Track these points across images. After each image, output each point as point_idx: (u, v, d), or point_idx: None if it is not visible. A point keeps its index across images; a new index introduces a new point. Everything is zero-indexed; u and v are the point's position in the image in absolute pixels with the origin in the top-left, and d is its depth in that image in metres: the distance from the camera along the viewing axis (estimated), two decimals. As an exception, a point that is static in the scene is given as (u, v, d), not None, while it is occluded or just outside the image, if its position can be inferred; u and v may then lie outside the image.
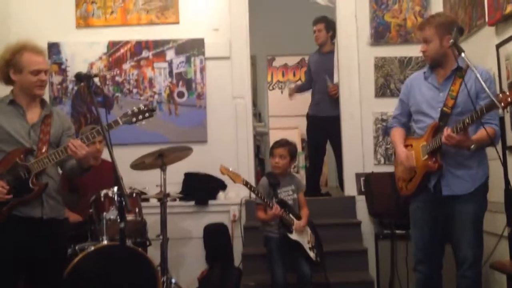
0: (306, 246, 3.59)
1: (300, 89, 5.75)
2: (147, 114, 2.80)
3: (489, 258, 2.89)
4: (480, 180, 2.81)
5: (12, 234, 2.63)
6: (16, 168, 2.66)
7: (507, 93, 2.39)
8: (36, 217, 2.71)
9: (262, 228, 3.65)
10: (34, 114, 2.79)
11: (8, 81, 2.78)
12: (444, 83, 2.89)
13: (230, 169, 3.47)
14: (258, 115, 7.32)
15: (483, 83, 2.43)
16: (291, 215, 3.56)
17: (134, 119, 2.79)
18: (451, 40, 2.57)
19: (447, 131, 2.64)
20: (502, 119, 2.41)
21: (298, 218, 3.62)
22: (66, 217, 2.96)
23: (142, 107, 2.81)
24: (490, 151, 2.75)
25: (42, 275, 2.74)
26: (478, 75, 2.46)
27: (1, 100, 2.79)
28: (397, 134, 3.11)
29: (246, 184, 3.43)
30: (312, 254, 3.59)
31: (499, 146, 2.54)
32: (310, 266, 3.56)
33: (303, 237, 3.60)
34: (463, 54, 2.53)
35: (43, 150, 2.73)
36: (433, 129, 2.84)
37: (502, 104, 2.35)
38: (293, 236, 3.53)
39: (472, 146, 2.61)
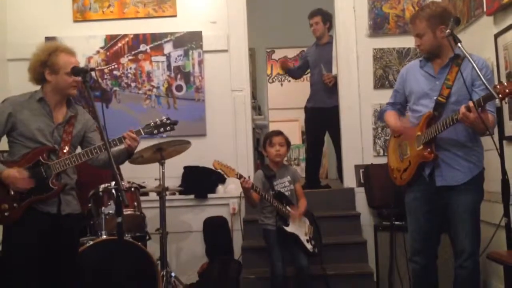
0: (303, 238, 3.58)
1: (289, 71, 5.74)
2: (168, 128, 2.89)
3: (486, 248, 2.88)
4: (475, 171, 2.79)
5: (32, 226, 2.69)
6: (39, 166, 2.71)
7: (505, 83, 2.37)
8: (53, 212, 2.76)
9: (261, 220, 3.65)
10: (60, 114, 2.84)
11: (40, 81, 2.82)
12: (440, 71, 2.86)
13: (223, 164, 3.43)
14: (257, 108, 7.31)
15: (478, 71, 2.40)
16: (287, 207, 3.56)
17: (155, 131, 2.87)
18: (448, 30, 2.55)
19: (463, 108, 2.52)
20: (499, 109, 2.38)
21: (295, 209, 3.62)
22: (81, 211, 3.01)
23: (165, 119, 2.89)
24: (487, 142, 2.74)
25: (56, 267, 2.76)
26: (474, 64, 2.44)
27: (31, 96, 2.81)
28: (391, 114, 3.11)
29: (240, 177, 3.41)
30: (309, 246, 3.59)
31: (496, 137, 2.51)
32: (307, 258, 3.56)
33: (300, 229, 3.60)
34: (459, 44, 2.51)
35: (65, 150, 2.78)
36: (428, 119, 2.82)
37: (500, 95, 2.33)
38: (289, 228, 3.53)
39: (490, 130, 2.51)
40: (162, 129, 2.87)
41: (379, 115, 4.40)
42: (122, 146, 2.80)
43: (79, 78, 2.75)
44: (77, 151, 2.84)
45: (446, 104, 2.77)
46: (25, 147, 2.74)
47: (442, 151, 2.80)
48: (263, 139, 3.83)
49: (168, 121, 2.88)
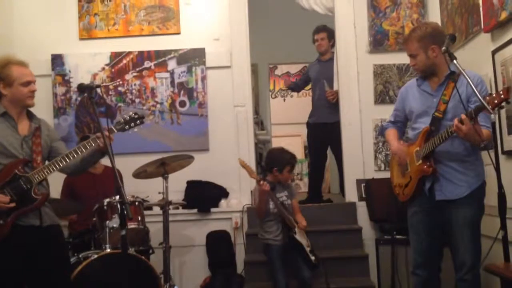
0: (307, 249, 3.63)
1: (290, 87, 5.82)
2: (138, 122, 2.97)
3: (484, 260, 2.90)
4: (475, 185, 2.82)
5: (19, 242, 2.69)
6: (17, 180, 2.71)
7: (494, 95, 2.42)
8: (36, 225, 2.77)
9: (261, 236, 3.68)
10: (24, 126, 2.85)
11: None
12: (437, 88, 2.93)
13: (248, 164, 3.58)
14: (260, 123, 7.37)
15: (474, 87, 2.45)
16: (290, 218, 3.60)
17: (126, 127, 2.95)
18: (443, 48, 2.61)
19: (456, 120, 2.58)
20: (494, 124, 2.43)
21: (296, 222, 3.67)
22: (59, 223, 3.01)
23: (132, 114, 2.98)
24: (485, 156, 2.78)
25: (47, 280, 2.78)
26: (469, 80, 2.49)
27: None
28: (391, 133, 3.18)
29: (259, 181, 3.51)
30: (312, 258, 3.63)
31: (492, 151, 2.56)
32: (310, 270, 3.59)
33: (303, 240, 3.65)
34: (455, 61, 2.57)
35: (38, 161, 2.81)
36: (425, 134, 2.87)
37: (490, 106, 2.38)
38: (298, 236, 3.57)
39: (484, 143, 2.54)
40: (132, 123, 2.95)
41: (380, 131, 4.46)
42: (93, 147, 2.83)
43: (35, 88, 2.82)
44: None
45: (442, 119, 2.82)
46: None
47: (441, 166, 2.84)
48: (279, 161, 3.80)
49: (136, 116, 2.97)
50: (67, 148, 2.95)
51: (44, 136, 2.90)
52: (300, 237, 3.61)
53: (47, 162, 2.85)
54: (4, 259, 2.65)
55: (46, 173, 2.76)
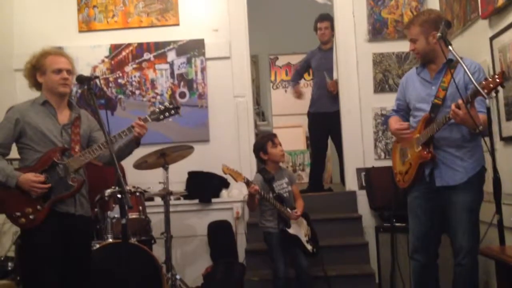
0: (304, 239, 3.65)
1: (294, 79, 5.68)
2: (173, 112, 3.00)
3: (479, 245, 2.93)
4: (473, 170, 2.85)
5: (55, 229, 2.76)
6: (55, 167, 2.79)
7: (490, 79, 2.43)
8: (71, 212, 2.85)
9: (262, 224, 3.70)
10: (64, 116, 2.93)
11: (37, 85, 2.93)
12: (436, 76, 2.95)
13: (232, 168, 3.52)
14: (261, 114, 7.39)
15: (470, 75, 2.47)
16: (288, 209, 3.62)
17: (161, 117, 2.98)
18: (438, 34, 2.62)
19: (453, 105, 2.62)
20: (489, 110, 2.44)
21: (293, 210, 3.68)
22: (90, 215, 3.09)
23: (168, 104, 3.01)
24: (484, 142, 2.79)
25: (73, 268, 2.83)
26: (465, 68, 2.51)
27: (34, 101, 2.92)
28: (393, 119, 3.22)
29: (247, 182, 3.49)
30: (309, 247, 3.66)
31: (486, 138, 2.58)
32: (307, 259, 3.62)
33: (300, 230, 3.67)
34: (450, 47, 2.58)
35: (76, 150, 2.87)
36: (425, 121, 2.90)
37: (486, 90, 2.40)
38: (291, 230, 3.60)
39: (480, 127, 2.57)
40: (167, 113, 2.98)
41: (384, 121, 4.47)
42: (130, 136, 2.90)
43: (67, 76, 2.87)
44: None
45: (442, 106, 2.85)
46: (36, 151, 2.82)
47: (441, 152, 2.88)
48: (259, 144, 3.82)
49: (171, 106, 3.00)
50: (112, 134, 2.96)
51: (83, 125, 2.97)
52: (295, 229, 3.62)
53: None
54: (44, 245, 2.73)
55: (83, 161, 2.83)
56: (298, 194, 3.83)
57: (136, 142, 2.95)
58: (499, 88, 2.42)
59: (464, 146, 2.85)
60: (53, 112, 2.89)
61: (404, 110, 3.19)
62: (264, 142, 3.76)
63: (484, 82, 2.44)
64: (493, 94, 2.49)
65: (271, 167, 3.76)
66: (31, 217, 2.74)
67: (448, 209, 2.89)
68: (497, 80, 2.39)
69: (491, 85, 2.40)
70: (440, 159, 2.88)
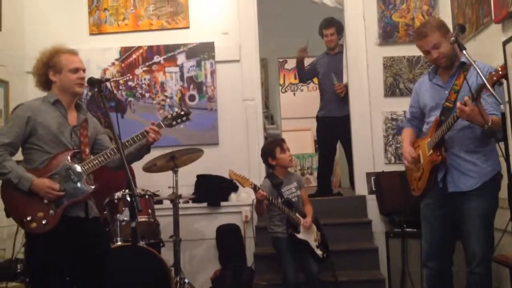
0: (313, 245, 3.63)
1: (300, 69, 5.54)
2: (184, 118, 3.03)
3: (493, 254, 2.88)
4: (487, 176, 2.79)
5: (67, 234, 2.69)
6: (67, 170, 2.73)
7: (494, 73, 2.44)
8: (82, 217, 2.79)
9: (271, 229, 3.68)
10: (73, 116, 2.85)
11: (47, 84, 2.84)
12: (449, 80, 2.92)
13: (239, 174, 3.50)
14: (270, 117, 7.37)
15: (481, 75, 2.43)
16: (297, 214, 3.60)
17: (174, 122, 3.01)
18: (452, 38, 2.60)
19: (459, 103, 2.60)
20: (504, 115, 2.42)
21: (304, 216, 3.65)
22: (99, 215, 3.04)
23: (179, 111, 3.05)
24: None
25: (90, 271, 2.78)
26: (478, 70, 2.47)
27: (43, 100, 2.81)
28: (406, 133, 3.17)
29: (255, 188, 3.46)
30: (319, 252, 3.63)
31: (501, 143, 2.54)
32: (317, 264, 3.59)
33: (309, 235, 3.65)
34: (464, 52, 2.56)
35: (87, 153, 2.82)
36: (436, 125, 2.87)
37: (489, 83, 2.39)
38: (300, 235, 3.57)
39: (489, 124, 2.53)
40: (179, 120, 3.01)
41: (397, 131, 4.43)
42: (143, 141, 2.88)
43: (83, 75, 2.82)
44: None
45: (453, 109, 2.80)
46: (45, 152, 2.72)
47: (453, 157, 2.84)
48: (267, 149, 3.79)
49: (182, 112, 3.03)
50: (111, 141, 2.95)
51: (90, 128, 2.92)
52: (304, 234, 3.58)
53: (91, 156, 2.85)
54: (51, 250, 2.65)
55: (96, 165, 2.78)
56: (306, 199, 3.80)
57: (147, 148, 2.93)
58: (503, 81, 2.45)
59: (477, 151, 2.81)
60: (63, 113, 2.80)
61: (418, 119, 3.15)
62: (272, 148, 3.73)
63: (487, 76, 2.44)
64: (506, 98, 2.46)
65: (279, 172, 3.74)
66: (43, 222, 2.65)
67: (461, 215, 2.84)
68: (500, 73, 2.40)
69: (495, 78, 2.40)
70: (453, 164, 2.83)
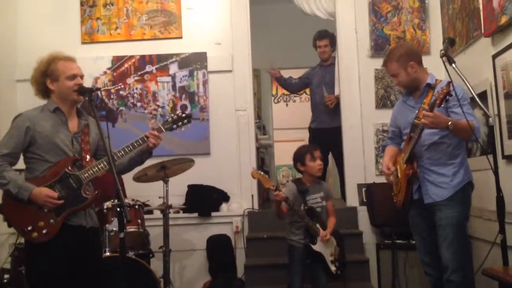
0: (328, 259, 3.52)
1: (284, 81, 5.56)
2: (185, 121, 2.94)
3: (482, 265, 2.90)
4: (458, 186, 2.93)
5: (66, 243, 2.65)
6: (67, 178, 2.69)
7: (440, 90, 2.66)
8: (83, 225, 2.75)
9: (287, 236, 3.57)
10: (73, 124, 2.81)
11: (45, 92, 2.81)
12: (418, 100, 3.10)
13: (262, 173, 3.43)
14: (262, 128, 7.37)
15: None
16: (317, 225, 3.49)
17: (174, 126, 2.92)
18: (442, 51, 2.64)
19: (422, 113, 2.78)
20: (493, 128, 2.44)
21: (325, 228, 3.54)
22: (98, 226, 2.98)
23: (180, 113, 2.95)
24: (484, 160, 2.77)
25: (85, 282, 2.74)
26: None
27: (42, 109, 2.79)
28: (388, 150, 3.32)
29: (276, 188, 3.34)
30: (333, 268, 3.52)
31: (490, 156, 2.57)
32: (327, 279, 3.52)
33: (326, 249, 3.53)
34: (453, 65, 2.60)
35: (87, 159, 2.77)
36: (408, 141, 3.03)
37: (438, 101, 2.64)
38: (316, 247, 3.46)
39: (449, 123, 2.70)
40: (180, 122, 2.92)
41: (382, 148, 4.46)
42: (143, 146, 2.82)
43: (81, 82, 2.78)
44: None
45: (420, 125, 2.90)
46: (45, 161, 2.69)
47: (426, 171, 3.00)
48: (298, 154, 3.67)
49: (184, 115, 2.94)
50: (114, 146, 2.87)
51: (92, 133, 2.87)
52: (321, 246, 3.49)
53: (94, 162, 2.80)
54: (52, 260, 2.62)
55: (96, 172, 2.73)
56: (331, 211, 3.66)
57: (149, 152, 2.88)
58: (452, 96, 2.66)
59: (448, 164, 2.96)
60: (63, 120, 2.77)
61: (398, 136, 3.29)
62: (303, 153, 3.63)
63: (436, 95, 2.70)
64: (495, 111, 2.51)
65: (307, 179, 3.62)
66: (44, 231, 2.61)
67: (435, 225, 2.96)
68: (445, 91, 2.62)
69: (442, 96, 2.63)
70: (426, 177, 2.99)
